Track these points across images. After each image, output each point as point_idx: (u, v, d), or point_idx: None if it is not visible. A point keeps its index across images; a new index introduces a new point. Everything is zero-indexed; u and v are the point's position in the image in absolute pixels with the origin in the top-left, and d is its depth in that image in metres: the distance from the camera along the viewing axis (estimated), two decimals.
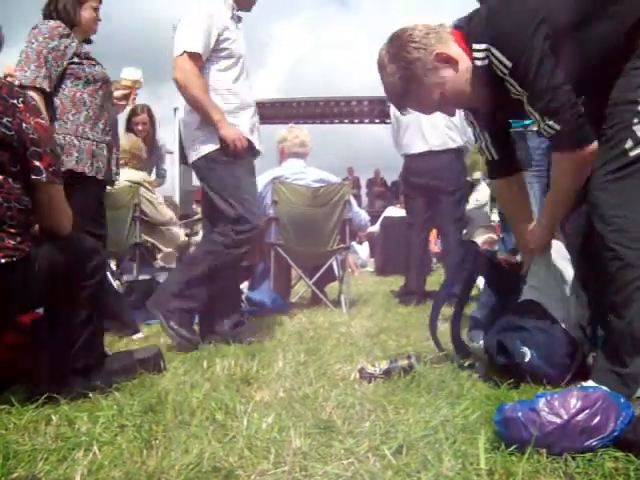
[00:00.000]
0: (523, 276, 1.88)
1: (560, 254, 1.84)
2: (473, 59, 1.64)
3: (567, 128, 1.55)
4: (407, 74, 1.70)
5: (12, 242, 1.55)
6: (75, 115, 2.72)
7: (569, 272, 1.81)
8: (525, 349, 1.69)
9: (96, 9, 2.88)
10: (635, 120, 1.48)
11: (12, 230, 1.56)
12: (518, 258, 2.01)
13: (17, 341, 1.77)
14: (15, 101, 1.59)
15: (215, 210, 2.62)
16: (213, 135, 2.53)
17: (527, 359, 1.68)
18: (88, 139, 2.73)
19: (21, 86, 2.58)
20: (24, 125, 1.58)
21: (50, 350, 1.65)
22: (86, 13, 2.83)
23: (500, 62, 1.57)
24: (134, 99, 3.79)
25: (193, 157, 2.63)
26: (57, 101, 2.71)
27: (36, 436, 1.30)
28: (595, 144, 1.56)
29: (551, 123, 1.55)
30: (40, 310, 1.78)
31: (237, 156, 2.54)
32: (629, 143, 1.47)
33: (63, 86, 2.73)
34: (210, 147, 2.56)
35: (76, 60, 2.75)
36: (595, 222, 1.51)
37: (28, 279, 1.58)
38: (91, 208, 2.72)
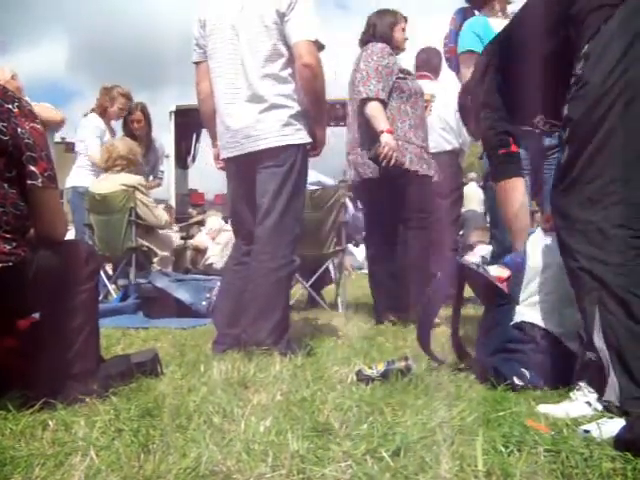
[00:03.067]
0: (515, 294, 1.85)
1: (557, 262, 1.82)
2: None
3: (490, 164, 2.02)
4: (461, 114, 2.45)
5: (8, 247, 1.55)
6: (402, 124, 3.20)
7: (567, 281, 1.80)
8: (524, 370, 1.69)
9: (404, 29, 3.42)
10: (561, 131, 1.55)
11: (7, 235, 1.56)
12: (508, 272, 1.99)
13: (13, 346, 1.76)
14: (10, 106, 1.59)
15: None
16: (306, 129, 2.42)
17: (526, 380, 1.68)
18: (413, 144, 3.20)
19: (367, 98, 3.12)
20: (19, 130, 1.58)
21: (46, 355, 1.64)
22: (398, 34, 3.38)
23: None
24: None
25: (280, 142, 2.35)
26: (387, 112, 3.17)
27: (33, 441, 1.30)
28: (513, 180, 1.93)
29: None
30: (36, 315, 1.78)
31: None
32: (559, 152, 1.56)
33: (390, 99, 3.21)
34: (306, 139, 2.43)
35: (401, 76, 3.22)
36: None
37: (24, 284, 1.57)
38: (422, 202, 3.20)
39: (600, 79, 1.44)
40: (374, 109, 3.13)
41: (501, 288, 1.89)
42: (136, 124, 4.83)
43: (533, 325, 1.76)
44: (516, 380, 1.67)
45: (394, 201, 3.19)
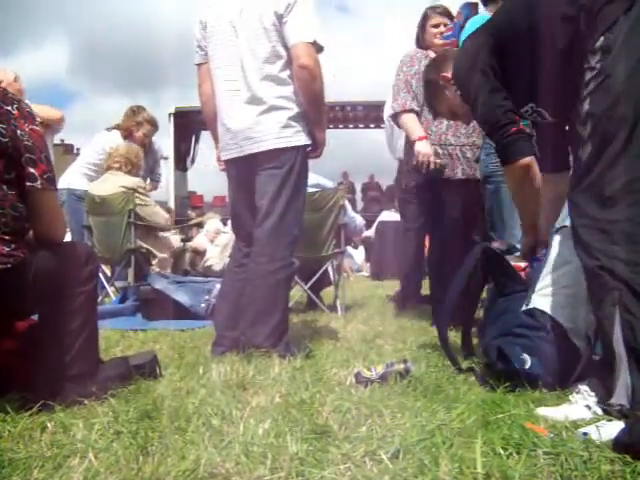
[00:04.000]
0: (532, 281, 1.85)
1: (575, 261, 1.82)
2: None
3: (498, 146, 1.85)
4: (426, 90, 2.31)
5: (6, 249, 1.55)
6: (437, 127, 3.11)
7: (584, 281, 1.80)
8: (525, 356, 1.69)
9: (435, 25, 3.32)
10: (578, 124, 1.50)
11: (6, 237, 1.56)
12: (525, 263, 2.00)
13: (12, 348, 1.76)
14: (9, 108, 1.59)
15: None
16: (305, 130, 2.41)
17: (527, 366, 1.67)
18: (451, 145, 3.10)
19: (396, 113, 3.18)
20: (19, 132, 1.58)
21: (45, 357, 1.64)
22: (428, 30, 3.33)
23: None
24: None
25: (279, 144, 2.35)
26: (422, 118, 3.15)
27: (31, 444, 1.29)
28: (527, 159, 1.80)
29: (491, 142, 1.89)
30: (35, 317, 1.77)
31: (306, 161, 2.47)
32: (580, 149, 1.49)
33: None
34: (305, 140, 2.41)
35: None
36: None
37: (23, 286, 1.57)
38: (465, 208, 3.08)
39: (624, 73, 1.41)
40: (405, 121, 3.17)
41: (520, 275, 1.90)
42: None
43: (544, 313, 1.76)
44: (516, 365, 1.67)
45: (430, 207, 3.22)
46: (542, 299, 1.79)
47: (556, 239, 1.86)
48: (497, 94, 1.79)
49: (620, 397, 1.36)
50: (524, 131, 1.79)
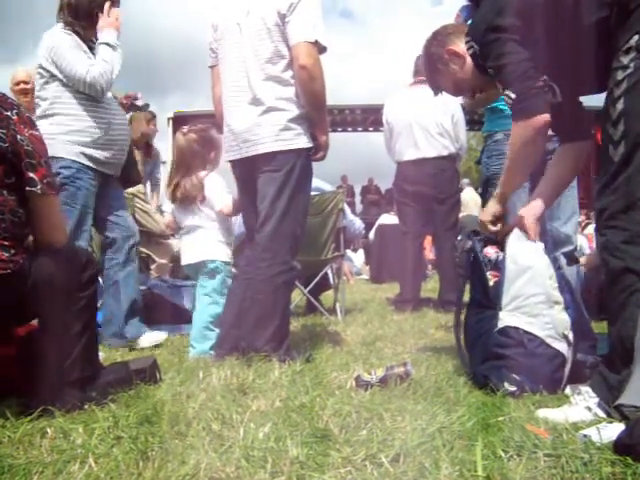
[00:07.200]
0: (496, 298, 1.85)
1: (536, 264, 1.83)
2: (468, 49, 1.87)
3: (521, 97, 1.68)
4: (428, 65, 2.16)
5: (6, 254, 1.55)
6: None
7: (547, 282, 1.79)
8: (514, 376, 1.69)
9: None
10: (608, 125, 1.48)
11: (6, 242, 1.56)
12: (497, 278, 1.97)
13: (12, 353, 1.76)
14: (9, 113, 1.59)
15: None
16: (307, 133, 2.38)
17: (518, 384, 1.68)
18: None
19: None
20: (19, 137, 1.58)
21: (45, 362, 1.64)
22: None
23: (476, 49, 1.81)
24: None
25: (277, 146, 2.33)
26: None
27: (31, 449, 1.29)
28: (545, 116, 1.67)
29: (508, 92, 1.70)
30: (35, 322, 1.77)
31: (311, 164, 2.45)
32: (611, 149, 1.47)
33: None
34: (306, 143, 2.38)
35: None
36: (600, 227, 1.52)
37: (22, 291, 1.57)
38: None
39: None
40: None
41: (490, 292, 1.90)
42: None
43: (517, 329, 1.76)
44: (507, 386, 1.67)
45: None
46: (511, 314, 1.78)
47: (509, 244, 1.86)
48: (525, 50, 1.68)
49: (633, 397, 1.35)
50: (548, 86, 1.69)
